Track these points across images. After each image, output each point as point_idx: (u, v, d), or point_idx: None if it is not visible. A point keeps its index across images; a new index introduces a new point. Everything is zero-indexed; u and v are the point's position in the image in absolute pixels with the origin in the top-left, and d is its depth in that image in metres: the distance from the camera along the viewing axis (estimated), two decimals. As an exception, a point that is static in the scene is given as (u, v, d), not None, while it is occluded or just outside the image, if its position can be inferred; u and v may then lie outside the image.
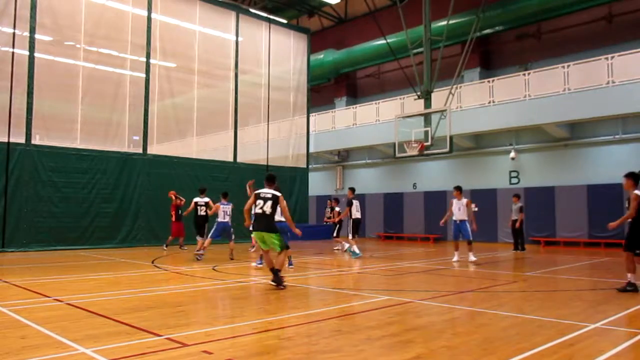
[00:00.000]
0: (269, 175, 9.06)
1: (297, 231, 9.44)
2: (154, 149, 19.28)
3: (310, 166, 25.91)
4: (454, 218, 13.96)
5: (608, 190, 18.81)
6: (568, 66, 18.94)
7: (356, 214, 15.14)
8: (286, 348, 4.75)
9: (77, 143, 17.54)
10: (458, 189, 14.31)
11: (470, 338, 5.18)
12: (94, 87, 17.94)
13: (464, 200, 13.99)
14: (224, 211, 13.49)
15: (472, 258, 13.40)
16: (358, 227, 15.18)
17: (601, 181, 19.15)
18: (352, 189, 15.63)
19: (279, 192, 8.77)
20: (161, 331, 5.31)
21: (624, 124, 18.86)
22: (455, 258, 13.63)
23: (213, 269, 11.45)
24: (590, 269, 12.31)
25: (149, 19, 19.13)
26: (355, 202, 15.20)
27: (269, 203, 8.51)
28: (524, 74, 20.22)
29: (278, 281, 8.36)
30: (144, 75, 19.02)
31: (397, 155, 19.94)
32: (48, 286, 8.72)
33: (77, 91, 17.56)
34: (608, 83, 17.83)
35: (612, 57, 17.92)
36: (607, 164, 19.21)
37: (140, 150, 18.89)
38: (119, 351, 4.58)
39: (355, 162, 28.30)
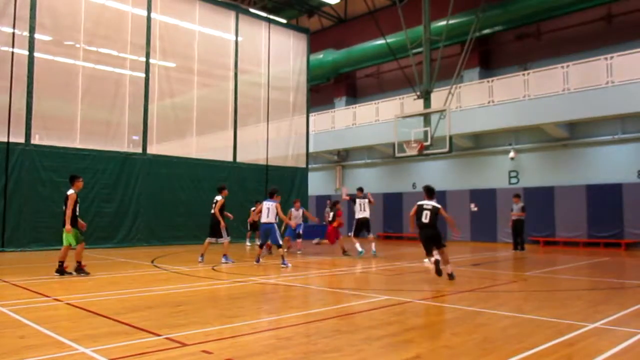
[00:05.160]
0: (70, 176, 10.73)
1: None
2: (153, 149, 19.28)
3: (309, 166, 25.91)
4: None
5: (607, 190, 18.84)
6: (567, 66, 18.95)
7: (361, 213, 15.09)
8: (285, 348, 4.75)
9: (77, 143, 17.54)
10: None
11: (470, 338, 5.18)
12: (93, 86, 17.93)
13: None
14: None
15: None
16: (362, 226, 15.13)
17: (600, 181, 19.17)
18: (360, 189, 15.73)
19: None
20: (161, 331, 5.31)
21: (623, 124, 18.87)
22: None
23: (213, 269, 11.46)
24: (590, 269, 12.31)
25: (149, 18, 19.14)
26: (360, 201, 15.16)
27: (63, 204, 10.12)
28: (524, 74, 20.23)
29: (61, 272, 9.94)
30: (143, 75, 19.03)
31: (397, 155, 19.96)
32: (47, 286, 8.72)
33: (77, 91, 17.56)
34: (607, 83, 17.84)
35: (612, 57, 17.94)
36: (606, 164, 19.22)
37: (139, 150, 18.90)
38: (118, 351, 4.58)
39: (354, 162, 28.31)
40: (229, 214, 13.37)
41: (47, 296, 7.55)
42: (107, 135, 18.31)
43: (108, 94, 18.33)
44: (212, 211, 12.82)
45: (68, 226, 9.94)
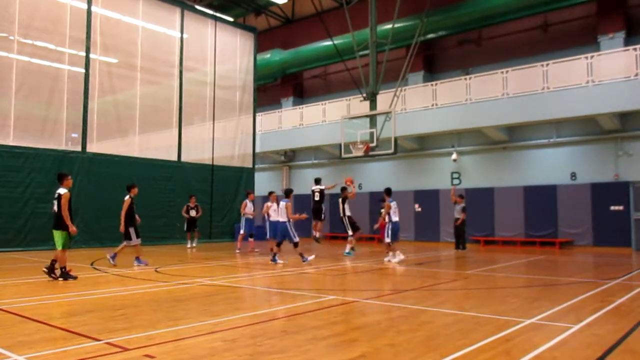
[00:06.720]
0: (58, 174, 10.05)
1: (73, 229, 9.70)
2: (93, 147, 18.61)
3: (256, 166, 25.72)
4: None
5: (543, 192, 19.70)
6: (506, 72, 19.67)
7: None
8: (231, 350, 4.70)
9: (10, 140, 16.70)
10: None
11: (413, 336, 5.29)
12: (29, 81, 17.11)
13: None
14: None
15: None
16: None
17: (537, 182, 20.01)
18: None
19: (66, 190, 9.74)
20: (100, 335, 5.13)
21: (558, 128, 19.78)
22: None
23: (155, 271, 11.19)
24: (526, 267, 12.83)
25: (89, 12, 18.45)
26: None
27: (55, 202, 9.63)
28: (466, 79, 20.85)
29: (65, 276, 9.50)
30: (83, 71, 18.33)
31: (343, 155, 20.09)
32: (-23, 291, 8.26)
33: (11, 85, 16.72)
34: (544, 89, 18.64)
35: (547, 65, 18.75)
36: (542, 166, 20.10)
37: (79, 148, 18.19)
38: (55, 357, 4.40)
39: (301, 163, 28.33)
40: (137, 217, 12.76)
41: (-24, 301, 7.15)
42: (44, 132, 17.51)
43: (45, 89, 17.53)
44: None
45: (72, 227, 9.57)
